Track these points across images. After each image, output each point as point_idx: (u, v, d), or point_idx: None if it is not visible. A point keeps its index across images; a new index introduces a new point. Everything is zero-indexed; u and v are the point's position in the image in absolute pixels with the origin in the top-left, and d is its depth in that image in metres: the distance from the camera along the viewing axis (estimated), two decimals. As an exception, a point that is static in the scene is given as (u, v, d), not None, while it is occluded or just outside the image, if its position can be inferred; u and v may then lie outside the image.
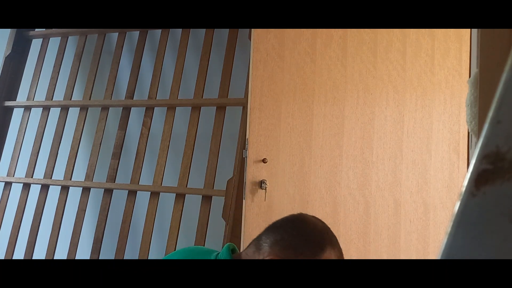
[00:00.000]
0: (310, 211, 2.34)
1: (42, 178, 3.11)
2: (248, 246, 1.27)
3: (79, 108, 3.14)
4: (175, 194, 2.74)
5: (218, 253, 1.29)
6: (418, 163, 2.51)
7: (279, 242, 1.19)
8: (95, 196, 3.09)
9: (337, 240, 1.23)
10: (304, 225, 1.22)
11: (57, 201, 3.04)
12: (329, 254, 1.17)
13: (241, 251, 1.30)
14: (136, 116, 3.05)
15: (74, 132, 3.09)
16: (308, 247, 1.17)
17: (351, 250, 2.37)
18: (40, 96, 3.28)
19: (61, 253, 2.97)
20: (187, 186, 2.71)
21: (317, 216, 1.28)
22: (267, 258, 1.18)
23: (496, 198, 0.51)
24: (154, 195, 2.79)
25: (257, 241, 1.24)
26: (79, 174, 3.12)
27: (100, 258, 2.85)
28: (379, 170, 2.45)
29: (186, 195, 2.72)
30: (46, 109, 3.23)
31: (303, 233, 1.20)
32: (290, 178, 2.30)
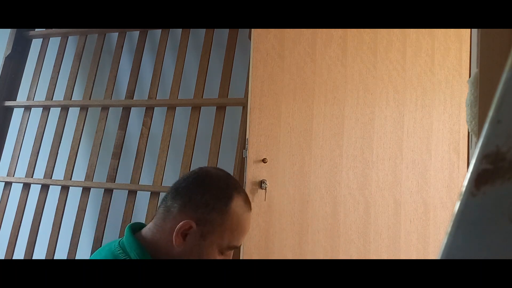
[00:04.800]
0: (310, 211, 2.35)
1: (42, 178, 3.11)
2: (155, 216, 1.27)
3: (79, 108, 3.14)
4: (175, 194, 2.73)
5: (121, 239, 1.26)
6: (418, 163, 2.51)
7: (188, 204, 1.21)
8: (95, 196, 3.09)
9: (239, 183, 1.29)
10: (209, 180, 1.25)
11: (57, 201, 3.04)
12: (237, 200, 1.23)
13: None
14: (136, 116, 3.05)
15: (74, 132, 3.09)
16: (218, 201, 1.21)
17: (351, 250, 2.37)
18: (40, 96, 3.28)
19: (61, 253, 2.97)
20: (187, 186, 2.70)
21: (317, 216, 1.28)
22: (180, 222, 1.19)
23: (496, 198, 0.51)
24: (154, 195, 2.79)
25: (164, 209, 1.24)
26: (79, 174, 3.12)
27: (100, 258, 2.85)
28: (379, 170, 2.45)
29: (186, 195, 2.71)
30: (46, 109, 3.23)
31: (210, 188, 1.23)
32: (290, 178, 2.30)
